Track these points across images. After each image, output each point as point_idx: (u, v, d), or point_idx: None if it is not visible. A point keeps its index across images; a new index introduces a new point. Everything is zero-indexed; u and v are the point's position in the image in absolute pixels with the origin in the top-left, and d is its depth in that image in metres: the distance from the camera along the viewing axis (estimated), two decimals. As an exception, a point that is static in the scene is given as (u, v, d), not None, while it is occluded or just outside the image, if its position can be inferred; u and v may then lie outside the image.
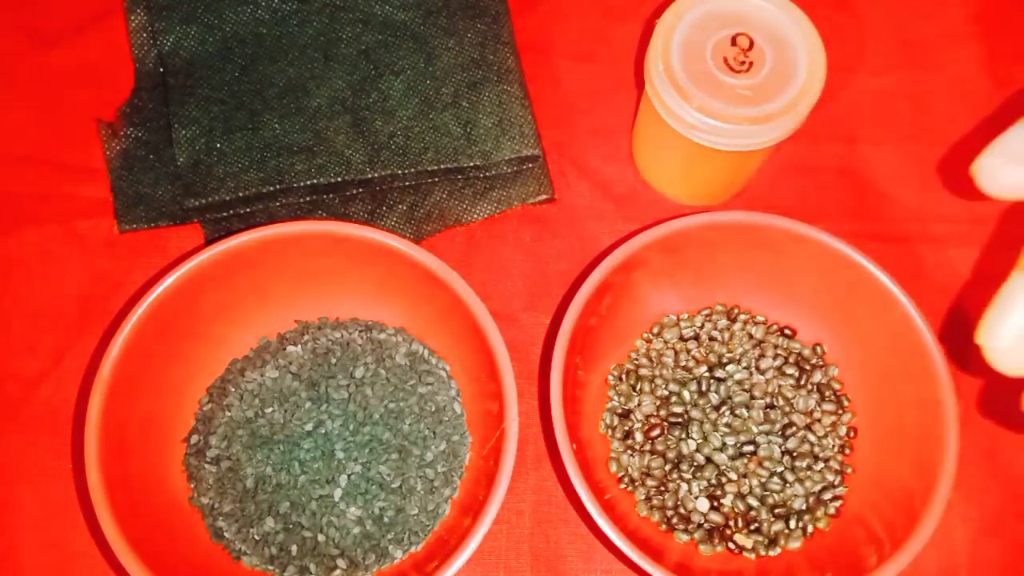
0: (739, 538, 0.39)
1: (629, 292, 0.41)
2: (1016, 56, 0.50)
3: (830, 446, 0.40)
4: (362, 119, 0.46)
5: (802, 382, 0.41)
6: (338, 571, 0.39)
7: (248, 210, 0.46)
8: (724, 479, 0.39)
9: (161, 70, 0.47)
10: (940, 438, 0.36)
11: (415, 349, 0.42)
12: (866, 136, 0.48)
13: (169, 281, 0.38)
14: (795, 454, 0.40)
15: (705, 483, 0.40)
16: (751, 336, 0.42)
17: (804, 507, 0.39)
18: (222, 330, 0.42)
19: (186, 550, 0.38)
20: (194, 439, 0.41)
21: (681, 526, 0.39)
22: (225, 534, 0.39)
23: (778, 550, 0.39)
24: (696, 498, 0.39)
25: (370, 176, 0.45)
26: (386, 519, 0.39)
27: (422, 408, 0.41)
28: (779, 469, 0.40)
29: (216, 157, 0.45)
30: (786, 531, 0.39)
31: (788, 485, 0.39)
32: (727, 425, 0.40)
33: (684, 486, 0.40)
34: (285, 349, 0.42)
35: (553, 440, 0.36)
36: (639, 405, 0.41)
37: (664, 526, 0.40)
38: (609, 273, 0.38)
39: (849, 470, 0.40)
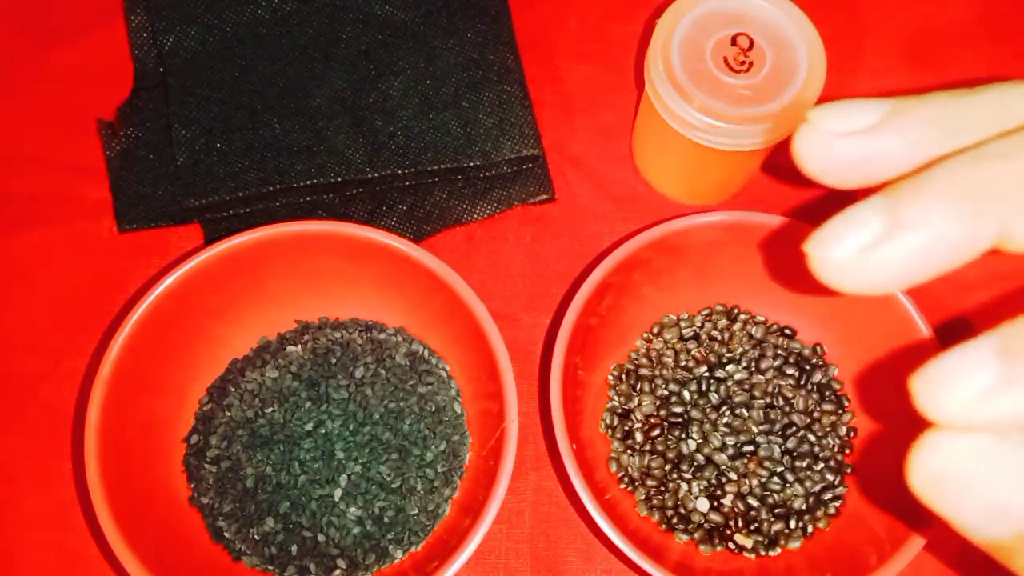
0: (739, 538, 0.39)
1: (629, 292, 0.41)
2: (1016, 56, 0.50)
3: (830, 446, 0.40)
4: (362, 119, 0.46)
5: (802, 382, 0.41)
6: (338, 571, 0.39)
7: (248, 210, 0.46)
8: (724, 479, 0.39)
9: (161, 70, 0.47)
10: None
11: (415, 349, 0.42)
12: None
13: (169, 281, 0.38)
14: (795, 454, 0.40)
15: (705, 483, 0.40)
16: (751, 336, 0.42)
17: (804, 507, 0.39)
18: (222, 330, 0.42)
19: (186, 550, 0.38)
20: (194, 439, 0.41)
21: (681, 526, 0.39)
22: (225, 534, 0.39)
23: (778, 550, 0.39)
24: (696, 498, 0.39)
25: (370, 176, 0.45)
26: (386, 519, 0.39)
27: (422, 408, 0.41)
28: (779, 469, 0.40)
29: (216, 157, 0.45)
30: (786, 531, 0.39)
31: (788, 485, 0.39)
32: (727, 425, 0.40)
33: (684, 486, 0.40)
34: (285, 349, 0.42)
35: (553, 440, 0.36)
36: (639, 405, 0.41)
37: (664, 526, 0.40)
38: (609, 273, 0.38)
39: (849, 470, 0.40)
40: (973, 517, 0.16)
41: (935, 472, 0.17)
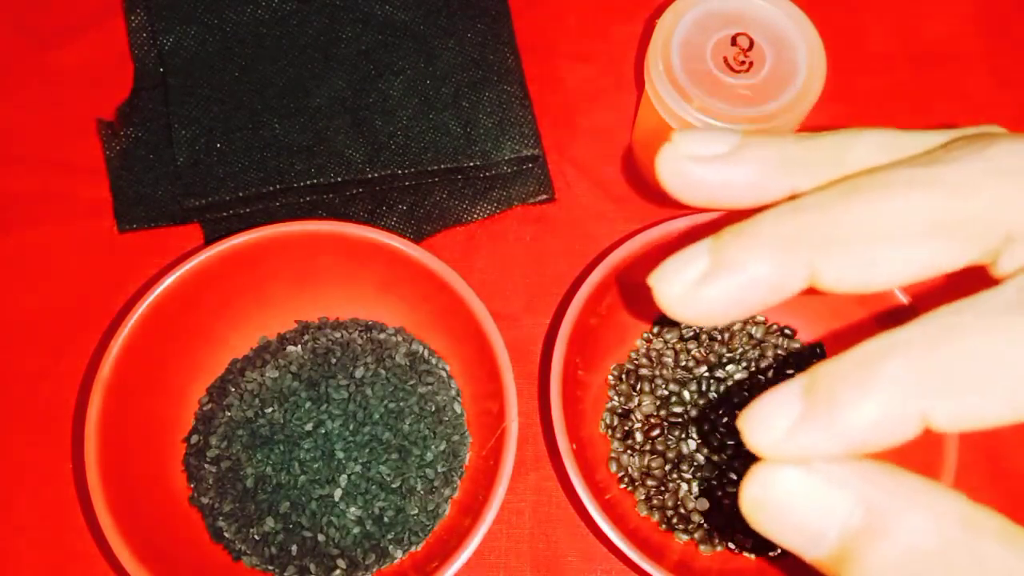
0: (739, 538, 0.39)
1: (629, 292, 0.41)
2: (1016, 56, 0.50)
3: (830, 446, 0.40)
4: (362, 119, 0.46)
5: (802, 382, 0.41)
6: (338, 571, 0.39)
7: (248, 210, 0.46)
8: (724, 479, 0.39)
9: (161, 70, 0.47)
10: (939, 438, 0.36)
11: (415, 349, 0.42)
12: (866, 136, 0.48)
13: (169, 281, 0.38)
14: (795, 454, 0.40)
15: (705, 483, 0.40)
16: (751, 336, 0.42)
17: (804, 507, 0.39)
18: (222, 330, 0.42)
19: (186, 550, 0.38)
20: (194, 439, 0.41)
21: (681, 526, 0.39)
22: (225, 534, 0.39)
23: (778, 550, 0.39)
24: (696, 498, 0.39)
25: (370, 176, 0.45)
26: (386, 519, 0.39)
27: (422, 408, 0.41)
28: (779, 469, 0.40)
29: (216, 157, 0.45)
30: (786, 531, 0.39)
31: (788, 485, 0.39)
32: (727, 425, 0.40)
33: (684, 486, 0.40)
34: (285, 349, 0.42)
35: (553, 440, 0.36)
36: (639, 405, 0.41)
37: (664, 526, 0.40)
38: (609, 273, 0.38)
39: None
40: (791, 540, 0.18)
41: (756, 501, 0.18)
